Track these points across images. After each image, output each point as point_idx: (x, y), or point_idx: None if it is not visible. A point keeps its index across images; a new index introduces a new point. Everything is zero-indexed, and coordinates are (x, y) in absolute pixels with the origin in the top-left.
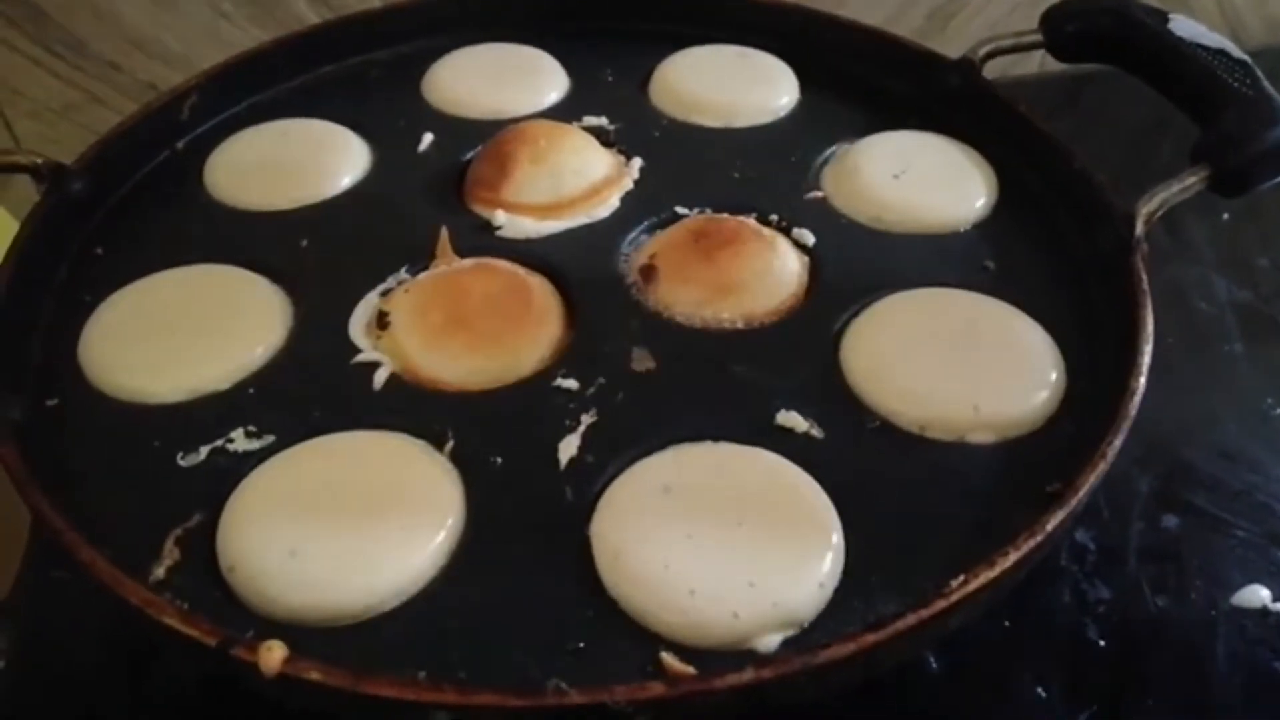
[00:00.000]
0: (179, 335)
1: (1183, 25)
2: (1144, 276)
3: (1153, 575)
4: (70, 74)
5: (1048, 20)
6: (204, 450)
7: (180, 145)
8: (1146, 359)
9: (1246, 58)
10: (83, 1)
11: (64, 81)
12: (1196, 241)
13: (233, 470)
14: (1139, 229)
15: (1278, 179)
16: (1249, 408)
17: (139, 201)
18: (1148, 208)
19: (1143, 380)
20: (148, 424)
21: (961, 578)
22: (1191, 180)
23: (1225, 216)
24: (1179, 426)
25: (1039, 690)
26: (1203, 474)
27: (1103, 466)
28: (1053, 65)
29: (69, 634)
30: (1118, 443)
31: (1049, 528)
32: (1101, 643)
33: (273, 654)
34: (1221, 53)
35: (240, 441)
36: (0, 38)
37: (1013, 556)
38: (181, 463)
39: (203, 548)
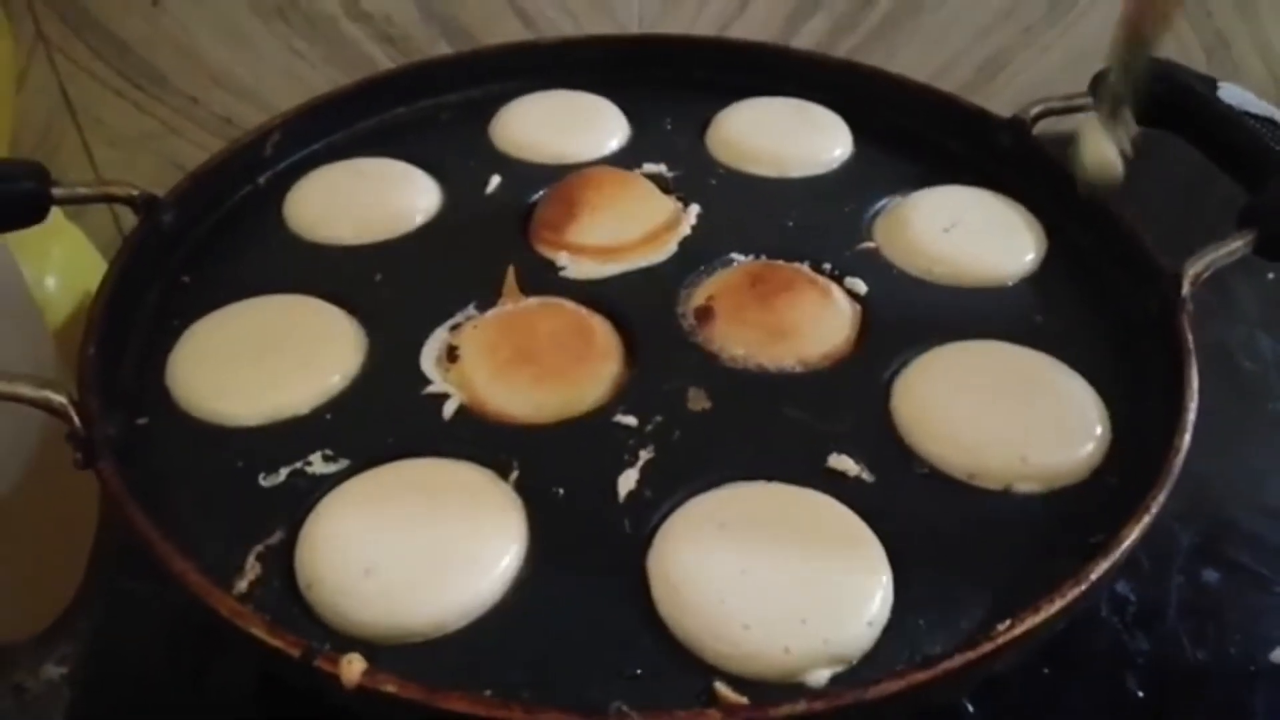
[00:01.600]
0: (260, 362)
1: (1231, 93)
2: (1189, 336)
3: (1192, 629)
4: (150, 105)
5: (1097, 84)
6: (284, 472)
7: (262, 180)
8: (1192, 416)
9: None
10: (166, 37)
11: (144, 112)
12: (1243, 300)
13: (310, 491)
14: (1185, 289)
15: None
16: None
17: (223, 233)
18: (1194, 269)
19: (1188, 438)
20: (230, 445)
21: (1008, 622)
22: (1237, 244)
23: (1270, 276)
24: (1222, 482)
25: None
26: (1244, 530)
27: (1146, 520)
28: None
29: (136, 643)
30: (1162, 497)
31: (1093, 577)
32: (1140, 694)
33: (353, 666)
34: (1270, 120)
35: (318, 464)
36: (85, 68)
37: (1058, 603)
38: (263, 483)
39: (282, 564)
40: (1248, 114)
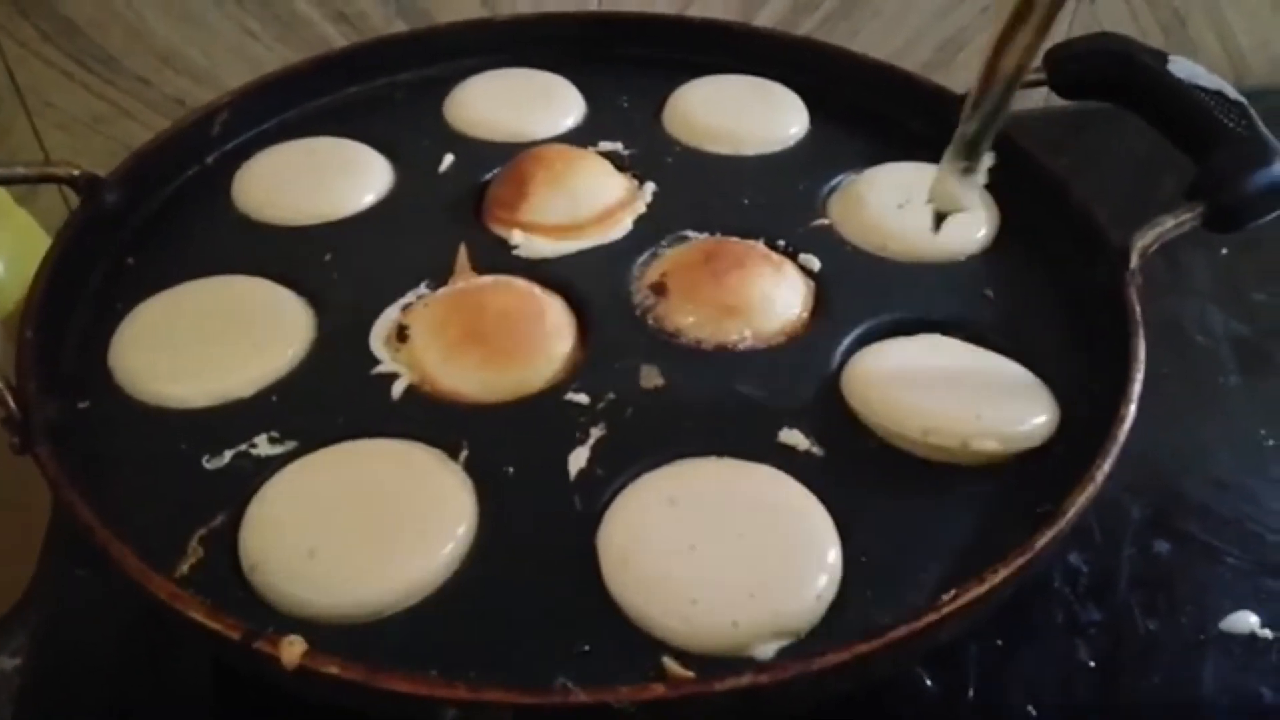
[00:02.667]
0: (205, 343)
1: (1182, 66)
2: (1137, 307)
3: (1143, 599)
4: (101, 87)
5: (1051, 59)
6: (228, 454)
7: (210, 160)
8: (1137, 387)
9: (1243, 99)
10: (115, 17)
11: (94, 94)
12: (1195, 275)
13: (255, 474)
14: (1133, 262)
15: (1269, 217)
16: (1242, 438)
17: (169, 214)
18: (1142, 241)
19: (1133, 407)
20: (174, 428)
21: (953, 593)
22: (1186, 216)
23: (1224, 251)
24: (1173, 455)
25: (1030, 709)
26: (1195, 502)
27: (1091, 489)
28: (1058, 100)
29: (88, 631)
30: (1107, 466)
31: (1038, 546)
32: (1092, 664)
33: (293, 648)
34: (1219, 94)
35: (263, 446)
36: (34, 51)
37: (1002, 573)
38: (206, 465)
39: (225, 547)
40: (1198, 87)
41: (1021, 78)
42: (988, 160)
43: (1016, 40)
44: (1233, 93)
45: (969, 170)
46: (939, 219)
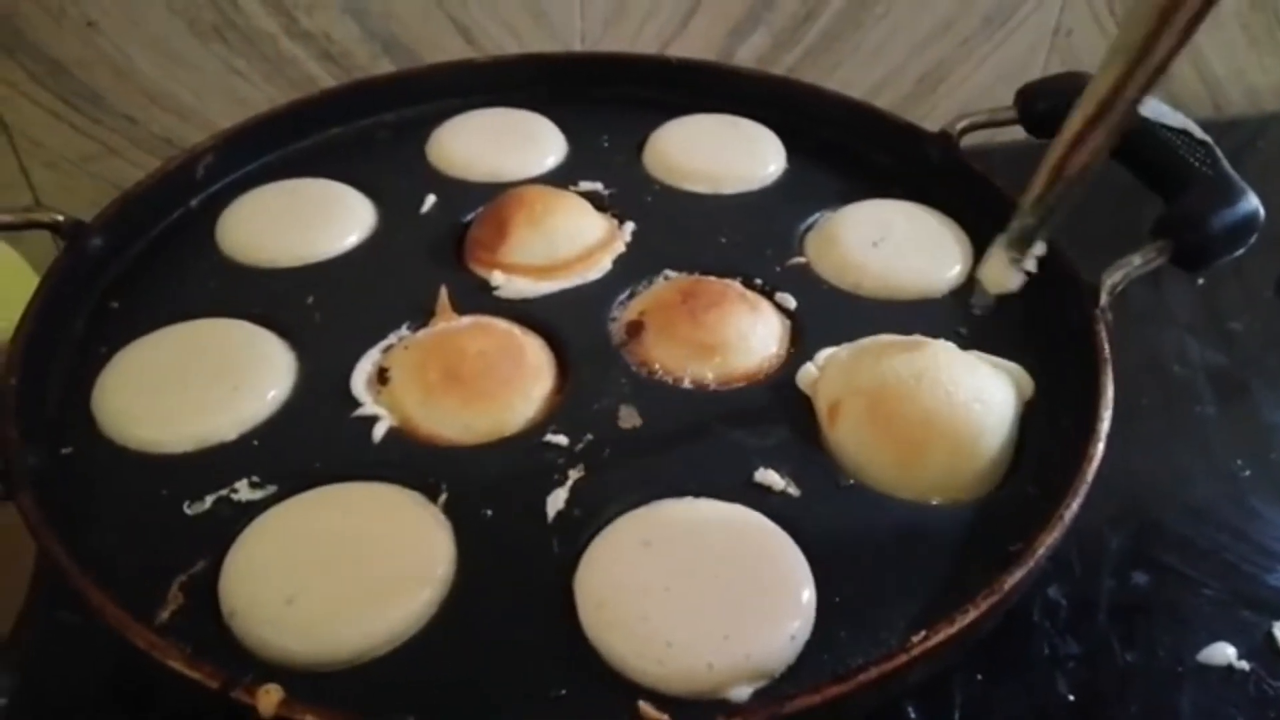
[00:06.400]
0: (188, 387)
1: (1149, 106)
2: (1106, 345)
3: (1122, 631)
4: (88, 126)
5: (1021, 98)
6: (209, 499)
7: (194, 203)
8: (1105, 425)
9: (1208, 139)
10: (101, 58)
11: (81, 134)
12: (1172, 305)
13: (236, 519)
14: (1103, 299)
15: (1233, 255)
16: (1219, 469)
17: (153, 257)
18: (1111, 280)
19: (1101, 445)
20: (156, 473)
21: (923, 633)
22: (1153, 255)
23: (1201, 282)
24: (1151, 485)
25: None
26: (1173, 533)
27: (1060, 529)
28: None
29: (71, 675)
30: (1075, 506)
31: (1006, 587)
32: (1070, 696)
33: (270, 696)
34: (1184, 133)
35: (244, 491)
36: (22, 91)
37: (972, 614)
38: (188, 511)
39: (206, 593)
40: (1164, 126)
41: (1088, 178)
42: (1039, 249)
43: (1089, 141)
44: (1198, 132)
45: (1018, 260)
46: (983, 303)
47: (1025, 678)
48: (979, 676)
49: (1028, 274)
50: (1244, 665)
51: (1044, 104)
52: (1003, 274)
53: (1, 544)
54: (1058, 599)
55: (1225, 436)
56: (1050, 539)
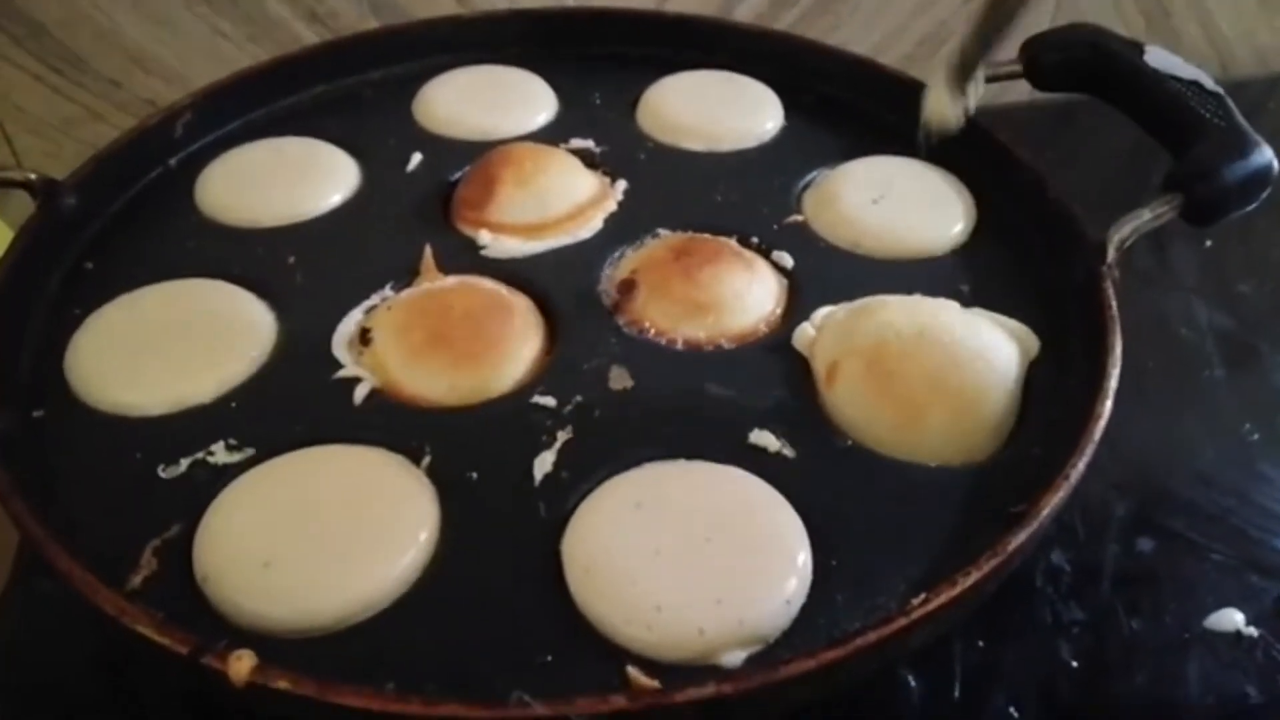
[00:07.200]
0: (163, 349)
1: (1158, 57)
2: (1113, 302)
3: (1127, 598)
4: (71, 90)
5: (1026, 50)
6: (184, 462)
7: (173, 162)
8: (1113, 384)
9: (1220, 90)
10: (84, 19)
11: (64, 97)
12: (1180, 267)
13: (212, 482)
14: (1110, 255)
15: (1246, 209)
16: (1227, 433)
17: (131, 217)
18: (1119, 235)
19: (1109, 404)
20: (130, 436)
21: (923, 596)
22: (1164, 209)
23: (1209, 244)
24: (1157, 450)
25: (1011, 710)
26: (1179, 498)
27: (1065, 489)
28: (1041, 94)
29: (54, 645)
30: (1081, 465)
31: (1010, 548)
32: (1074, 663)
33: (241, 663)
34: (1195, 84)
35: (220, 454)
36: (2, 54)
37: (974, 576)
38: (162, 474)
39: (180, 559)
40: (1174, 77)
41: (1024, 5)
42: (980, 86)
43: None
44: (1210, 83)
45: (961, 92)
46: (928, 136)
47: (1028, 645)
48: (980, 643)
49: (968, 114)
50: (1252, 631)
51: (1050, 57)
52: (947, 108)
53: None
54: (1061, 565)
55: (1233, 400)
56: (1055, 499)
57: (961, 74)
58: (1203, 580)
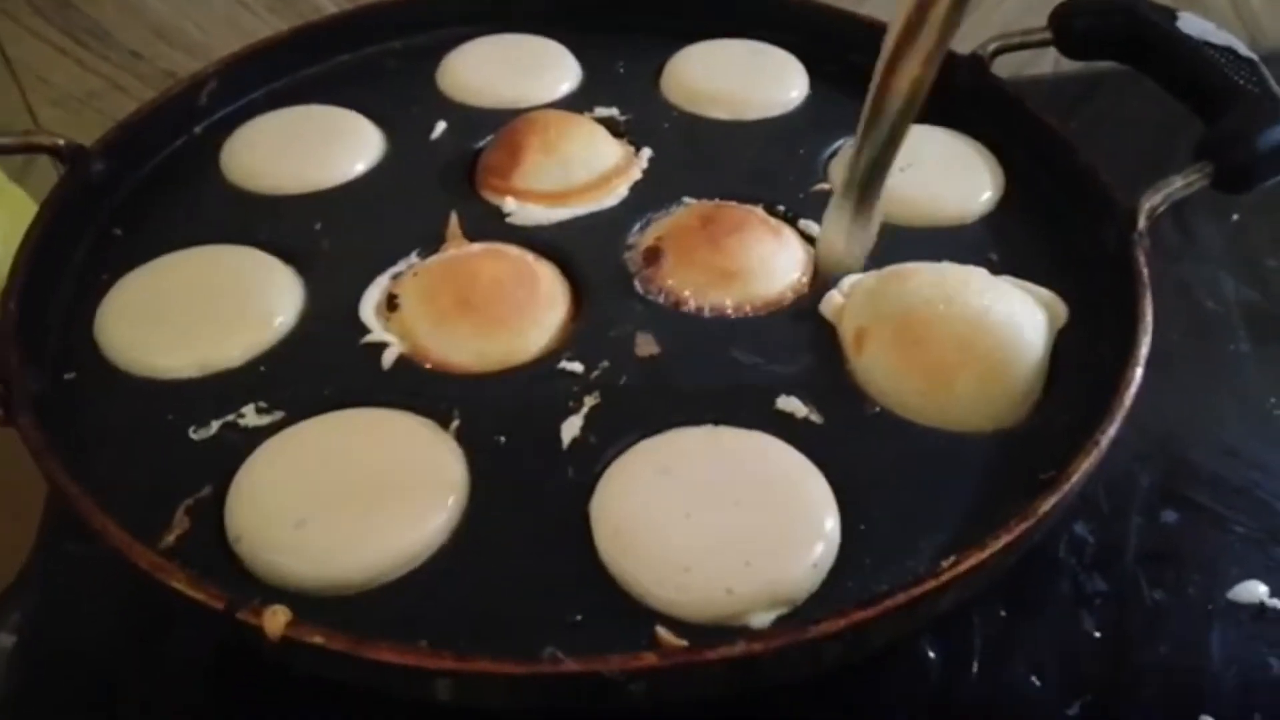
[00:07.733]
0: (193, 313)
1: (1190, 23)
2: (1144, 269)
3: (1150, 570)
4: (94, 62)
5: (1056, 17)
6: (215, 424)
7: (198, 130)
8: (1144, 350)
9: (1254, 56)
10: None
11: (87, 69)
12: (1206, 240)
13: (243, 444)
14: (1141, 223)
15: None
16: (1252, 406)
17: (157, 184)
18: (1151, 202)
19: (1140, 370)
20: (161, 398)
21: (953, 558)
22: (1195, 176)
23: (1236, 217)
24: (1181, 423)
25: (1033, 679)
26: (1204, 470)
27: (1096, 454)
28: (1068, 64)
29: (83, 607)
30: (1112, 431)
31: (1041, 512)
32: (1097, 634)
33: (277, 618)
34: (1229, 50)
35: (251, 417)
36: (26, 26)
37: (1004, 539)
38: (193, 436)
39: (212, 518)
40: (1207, 44)
41: (920, 97)
42: (880, 210)
43: (912, 54)
44: (1243, 49)
45: (861, 216)
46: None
47: (1050, 616)
48: (1002, 613)
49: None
50: (1275, 603)
51: (1081, 23)
52: (842, 243)
53: (10, 480)
54: (1085, 536)
55: (1259, 374)
56: (1086, 464)
57: (861, 193)
58: (1226, 552)
